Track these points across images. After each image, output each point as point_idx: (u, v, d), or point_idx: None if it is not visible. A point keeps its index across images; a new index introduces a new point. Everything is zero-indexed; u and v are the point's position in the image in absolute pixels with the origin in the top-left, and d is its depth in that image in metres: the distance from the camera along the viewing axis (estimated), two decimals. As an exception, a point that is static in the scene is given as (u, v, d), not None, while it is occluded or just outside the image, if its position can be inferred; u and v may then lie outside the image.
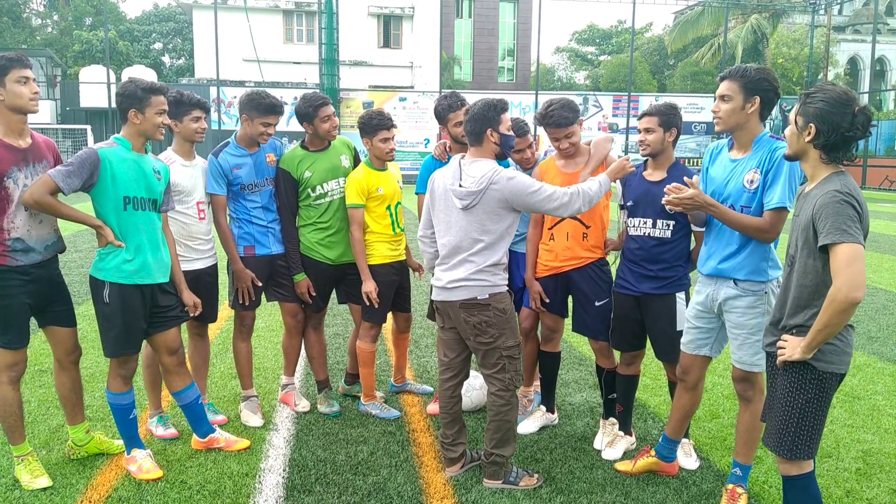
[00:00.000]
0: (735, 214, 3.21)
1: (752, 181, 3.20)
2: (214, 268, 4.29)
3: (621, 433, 4.06)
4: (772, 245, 3.27)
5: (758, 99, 3.17)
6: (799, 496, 2.75)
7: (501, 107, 3.53)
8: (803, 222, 2.64)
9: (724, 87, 3.23)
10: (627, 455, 3.95)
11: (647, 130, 3.70)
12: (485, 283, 3.49)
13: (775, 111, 32.82)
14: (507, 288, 3.61)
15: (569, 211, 3.48)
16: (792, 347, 2.62)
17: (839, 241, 2.46)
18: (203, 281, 4.14)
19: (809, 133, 2.61)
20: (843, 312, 2.47)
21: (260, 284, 4.39)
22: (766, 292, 3.26)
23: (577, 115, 3.92)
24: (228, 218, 4.38)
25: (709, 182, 3.40)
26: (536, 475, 3.64)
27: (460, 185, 3.48)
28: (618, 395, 4.06)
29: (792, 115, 2.71)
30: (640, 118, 3.80)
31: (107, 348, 3.63)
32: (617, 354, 4.09)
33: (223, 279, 4.39)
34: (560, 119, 3.86)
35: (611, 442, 4.03)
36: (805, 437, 2.66)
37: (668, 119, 3.69)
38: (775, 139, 3.23)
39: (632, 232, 3.80)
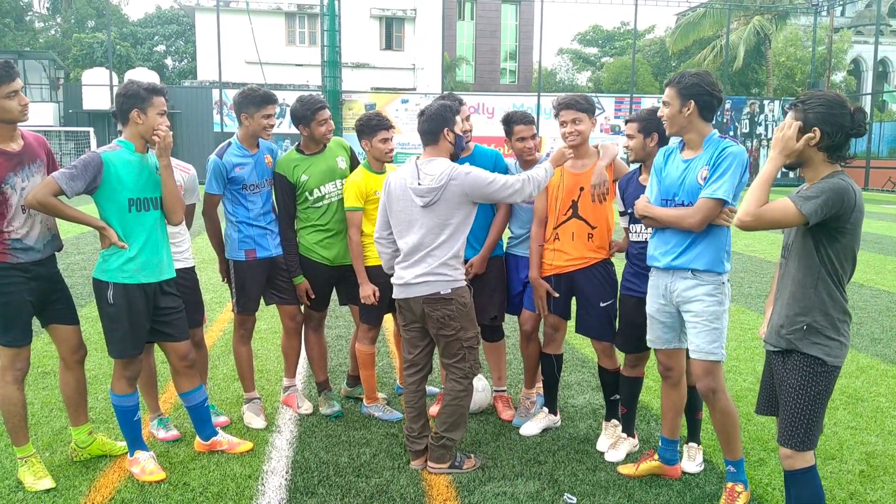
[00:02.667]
0: (665, 211, 3.34)
1: (704, 177, 3.27)
2: (191, 271, 4.27)
3: (624, 435, 4.05)
4: (728, 237, 3.33)
5: (692, 103, 3.26)
6: (805, 489, 2.80)
7: (456, 108, 3.74)
8: None
9: (665, 93, 3.38)
10: (630, 457, 3.94)
11: (629, 137, 3.82)
12: (447, 278, 3.63)
13: (774, 111, 32.80)
14: (466, 282, 3.77)
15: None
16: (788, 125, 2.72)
17: (799, 206, 2.63)
18: (178, 284, 3.98)
19: (815, 137, 2.70)
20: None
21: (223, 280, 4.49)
22: (722, 283, 3.33)
23: (592, 108, 4.00)
24: (227, 222, 4.38)
25: (664, 182, 3.43)
26: (473, 455, 3.85)
27: (419, 184, 3.60)
28: (621, 397, 4.05)
29: (788, 124, 2.73)
30: (625, 125, 3.92)
31: (113, 349, 3.65)
32: (621, 357, 4.09)
33: (216, 281, 4.38)
34: (572, 101, 3.96)
35: (614, 444, 4.02)
36: (815, 428, 2.77)
37: (648, 125, 3.78)
38: (724, 139, 3.31)
39: (634, 238, 3.85)
